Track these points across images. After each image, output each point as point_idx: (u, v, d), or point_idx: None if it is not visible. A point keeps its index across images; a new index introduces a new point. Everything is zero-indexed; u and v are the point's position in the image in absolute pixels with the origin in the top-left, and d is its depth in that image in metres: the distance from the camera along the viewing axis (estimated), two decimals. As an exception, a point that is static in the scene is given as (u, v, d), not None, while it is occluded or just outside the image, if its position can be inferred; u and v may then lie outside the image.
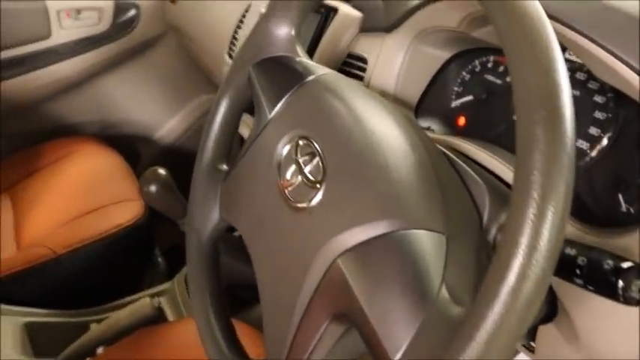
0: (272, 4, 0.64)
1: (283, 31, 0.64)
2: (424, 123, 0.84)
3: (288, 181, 0.53)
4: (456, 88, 0.84)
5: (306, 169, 0.52)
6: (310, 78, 0.59)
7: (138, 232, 1.30)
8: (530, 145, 0.36)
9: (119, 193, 1.41)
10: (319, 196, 0.50)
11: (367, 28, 0.88)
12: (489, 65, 0.80)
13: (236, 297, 1.16)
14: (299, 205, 0.52)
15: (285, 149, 0.55)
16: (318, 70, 0.60)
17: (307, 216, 0.50)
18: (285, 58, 0.63)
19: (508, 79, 0.77)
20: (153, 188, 0.92)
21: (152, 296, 1.24)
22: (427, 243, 0.46)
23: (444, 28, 0.76)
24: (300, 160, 0.53)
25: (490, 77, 0.80)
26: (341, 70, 0.90)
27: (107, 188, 1.44)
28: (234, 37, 1.25)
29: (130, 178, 1.49)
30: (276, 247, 0.54)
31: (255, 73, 0.64)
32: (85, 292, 1.26)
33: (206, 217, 0.67)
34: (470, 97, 0.82)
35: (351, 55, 0.89)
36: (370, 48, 0.85)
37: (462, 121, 0.83)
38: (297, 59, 0.63)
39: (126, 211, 1.32)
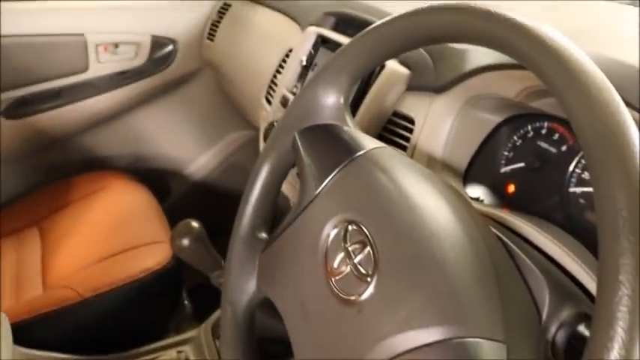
0: (321, 70, 0.61)
1: (332, 99, 0.61)
2: (473, 191, 0.79)
3: (335, 269, 0.49)
4: (506, 153, 0.80)
5: (356, 259, 0.48)
6: (360, 153, 0.55)
7: (166, 276, 1.27)
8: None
9: (148, 235, 1.38)
10: (370, 291, 0.46)
11: (415, 86, 0.84)
12: (543, 132, 0.76)
13: (266, 351, 1.12)
14: (347, 297, 0.48)
15: (333, 233, 0.51)
16: (369, 143, 0.57)
17: (356, 312, 0.46)
18: (333, 127, 0.60)
19: (564, 148, 0.73)
20: (185, 242, 0.89)
21: (178, 344, 1.20)
22: (486, 353, 0.42)
23: (498, 96, 0.72)
24: (350, 249, 0.49)
25: (544, 144, 0.76)
26: (385, 129, 0.87)
27: (136, 228, 1.41)
28: (272, 82, 1.22)
29: (159, 219, 1.47)
30: (318, 336, 0.50)
31: (300, 140, 0.61)
32: (109, 337, 1.23)
33: (242, 287, 0.64)
34: (521, 164, 0.78)
35: (396, 114, 0.86)
36: (417, 108, 0.82)
37: (511, 188, 0.79)
38: (346, 129, 0.59)
39: (155, 255, 1.29)
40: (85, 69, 1.67)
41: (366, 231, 0.48)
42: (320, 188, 0.55)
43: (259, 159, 0.66)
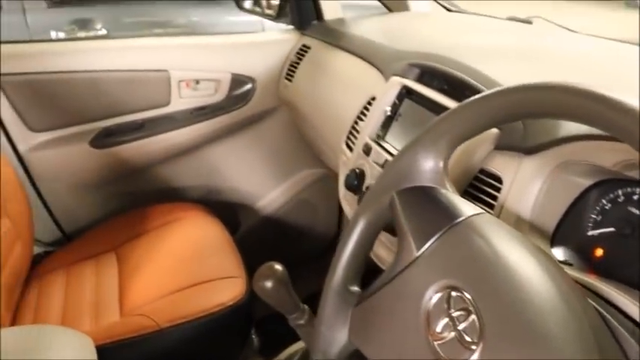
0: (422, 134, 0.64)
1: (431, 162, 0.63)
2: (559, 253, 0.80)
3: (438, 333, 0.51)
4: (594, 216, 0.80)
5: (461, 326, 0.50)
6: (461, 220, 0.57)
7: (239, 312, 1.30)
8: None
9: (222, 269, 1.42)
10: (474, 358, 0.48)
11: (503, 145, 0.85)
12: (635, 197, 0.76)
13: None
14: (451, 362, 0.49)
15: (435, 297, 0.53)
16: (468, 209, 0.58)
17: (460, 379, 0.48)
18: (432, 190, 0.62)
19: (657, 217, 0.73)
20: (268, 284, 0.92)
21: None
22: None
23: (592, 163, 0.73)
24: (454, 315, 0.50)
25: (636, 211, 0.76)
26: (472, 185, 0.88)
27: (211, 262, 1.46)
28: (353, 128, 1.25)
29: (232, 253, 1.50)
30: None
31: (399, 200, 0.63)
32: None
33: (334, 338, 0.66)
34: (610, 229, 0.78)
35: (483, 171, 0.87)
36: (505, 167, 0.83)
37: (599, 252, 0.79)
38: (444, 192, 0.61)
39: (229, 290, 1.33)
40: (167, 103, 1.75)
41: (470, 299, 0.50)
42: (421, 251, 0.57)
43: (355, 214, 0.68)
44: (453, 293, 0.52)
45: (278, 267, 0.93)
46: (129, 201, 1.82)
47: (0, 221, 1.41)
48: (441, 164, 0.63)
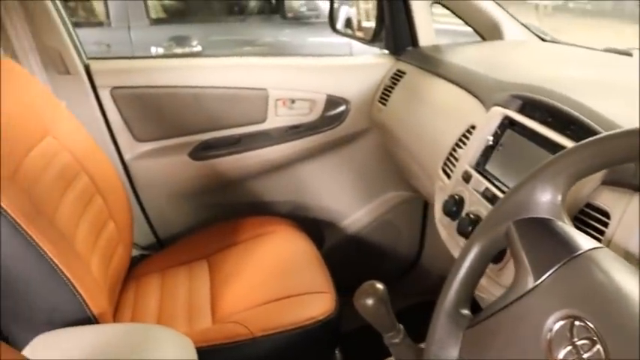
0: (540, 168, 0.66)
1: (549, 196, 0.65)
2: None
3: (561, 360, 0.53)
4: None
5: (585, 355, 0.52)
6: (580, 253, 0.59)
7: (329, 327, 1.33)
8: None
9: (312, 284, 1.46)
10: (599, 386, 0.50)
11: (612, 181, 0.86)
12: None
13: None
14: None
15: (557, 326, 0.55)
16: (587, 243, 0.60)
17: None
18: (550, 222, 0.64)
19: None
20: (369, 302, 0.95)
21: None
22: None
23: None
24: (578, 344, 0.53)
25: None
26: (577, 219, 0.89)
27: (300, 276, 1.50)
28: (451, 155, 1.27)
29: (321, 268, 1.55)
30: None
31: (517, 230, 0.65)
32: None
33: (445, 357, 0.69)
34: None
35: (590, 205, 0.88)
36: (614, 203, 0.84)
37: None
38: (561, 224, 0.64)
39: (319, 304, 1.37)
40: (264, 120, 1.82)
41: (594, 329, 0.52)
42: (540, 280, 0.60)
43: (469, 241, 0.71)
44: (577, 322, 0.54)
45: (379, 286, 0.97)
46: (221, 212, 1.90)
47: (107, 224, 1.50)
48: (559, 198, 0.65)
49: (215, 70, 1.79)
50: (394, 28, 1.86)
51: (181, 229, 1.92)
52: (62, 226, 1.25)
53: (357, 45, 3.24)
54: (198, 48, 3.24)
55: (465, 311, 0.70)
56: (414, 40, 1.85)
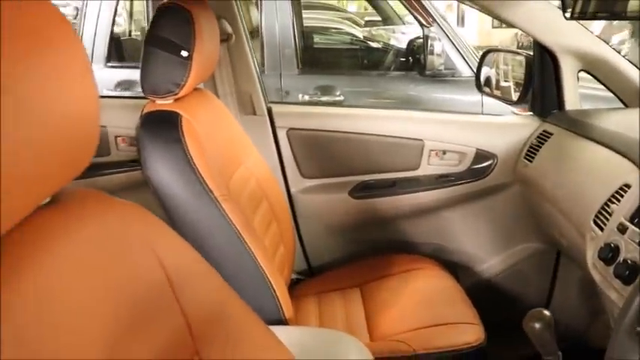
0: None
1: None
2: None
3: None
4: None
5: None
6: None
7: (480, 353, 1.49)
8: None
9: (461, 315, 1.63)
10: None
11: None
12: None
13: None
14: None
15: None
16: None
17: None
18: None
19: None
20: (537, 325, 1.12)
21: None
22: None
23: None
24: None
25: None
26: None
27: (449, 307, 1.67)
28: (604, 209, 1.42)
29: (467, 303, 1.71)
30: None
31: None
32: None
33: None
34: None
35: None
36: None
37: None
38: None
39: (470, 333, 1.53)
40: (417, 167, 2.03)
41: None
42: None
43: None
44: None
45: (547, 313, 1.14)
46: (369, 247, 2.11)
47: (279, 247, 1.74)
48: None
49: (378, 119, 2.03)
50: (542, 92, 2.02)
51: (332, 259, 2.13)
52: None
53: (487, 104, 3.42)
54: (341, 97, 3.51)
55: (641, 330, 0.86)
56: (560, 103, 2.00)
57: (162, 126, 1.36)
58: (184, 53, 1.36)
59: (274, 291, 1.37)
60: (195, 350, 0.83)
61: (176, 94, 1.39)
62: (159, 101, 1.42)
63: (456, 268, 2.16)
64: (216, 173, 1.39)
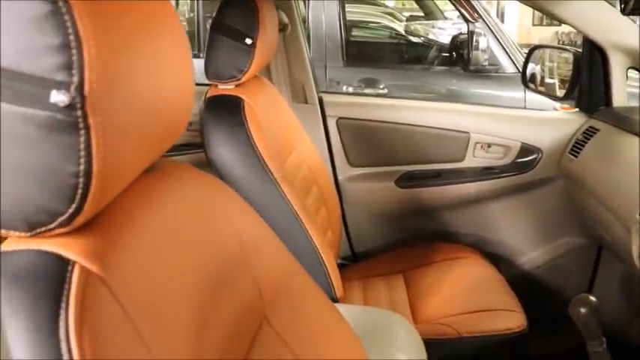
0: None
1: None
2: None
3: None
4: None
5: None
6: None
7: (522, 340, 1.53)
8: None
9: (503, 302, 1.67)
10: None
11: None
12: None
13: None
14: None
15: None
16: None
17: None
18: None
19: None
20: (583, 310, 1.17)
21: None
22: None
23: None
24: None
25: None
26: None
27: (492, 295, 1.71)
28: (650, 204, 1.45)
29: (508, 291, 1.75)
30: None
31: None
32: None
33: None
34: None
35: None
36: None
37: None
38: None
39: (512, 319, 1.57)
40: (462, 159, 2.08)
41: None
42: None
43: None
44: None
45: (593, 298, 1.18)
46: (412, 235, 2.16)
47: (327, 232, 1.80)
48: None
49: (426, 111, 2.08)
50: (590, 88, 2.05)
51: (375, 246, 2.19)
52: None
53: (530, 100, 3.43)
54: (384, 90, 3.56)
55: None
56: (608, 100, 2.03)
57: (226, 110, 1.43)
58: (248, 41, 1.42)
59: (327, 270, 1.44)
60: (264, 315, 0.90)
61: (239, 80, 1.46)
62: (221, 86, 1.49)
63: (497, 260, 2.20)
64: (274, 156, 1.46)
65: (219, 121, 1.42)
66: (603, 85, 2.02)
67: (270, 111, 1.59)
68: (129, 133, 0.57)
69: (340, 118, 2.07)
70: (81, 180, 0.51)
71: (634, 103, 2.09)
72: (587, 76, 2.05)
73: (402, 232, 2.19)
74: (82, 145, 0.50)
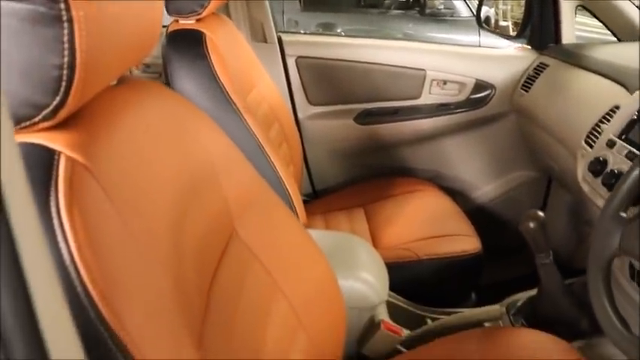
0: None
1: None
2: None
3: None
4: None
5: None
6: None
7: (476, 261, 1.63)
8: None
9: (459, 228, 1.76)
10: None
11: None
12: None
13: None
14: None
15: None
16: None
17: None
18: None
19: None
20: (532, 224, 1.25)
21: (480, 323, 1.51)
22: None
23: None
24: None
25: None
26: None
27: (450, 222, 1.80)
28: (594, 130, 1.53)
29: (464, 218, 1.84)
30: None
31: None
32: (424, 294, 1.61)
33: (607, 245, 0.97)
34: None
35: None
36: None
37: None
38: None
39: (468, 243, 1.66)
40: (418, 96, 2.14)
41: None
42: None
43: (633, 163, 0.99)
44: None
45: (541, 214, 1.27)
46: (371, 171, 2.23)
47: (289, 166, 1.85)
48: None
49: (383, 49, 2.13)
50: (541, 26, 2.12)
51: (335, 182, 2.26)
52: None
53: (484, 42, 3.50)
54: (342, 35, 3.59)
55: (623, 214, 0.98)
56: (557, 37, 2.10)
57: (188, 43, 1.45)
58: (209, -26, 1.44)
59: (291, 199, 1.50)
60: (233, 227, 0.95)
61: (199, 14, 1.47)
62: (182, 21, 1.51)
63: (453, 194, 2.28)
64: (237, 90, 1.49)
65: (181, 55, 1.44)
66: (553, 24, 2.10)
67: (230, 47, 1.61)
68: (108, 30, 0.60)
69: (299, 57, 2.10)
70: (65, 72, 0.54)
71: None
72: (538, 15, 2.11)
73: (361, 169, 2.25)
74: (66, 38, 0.53)
